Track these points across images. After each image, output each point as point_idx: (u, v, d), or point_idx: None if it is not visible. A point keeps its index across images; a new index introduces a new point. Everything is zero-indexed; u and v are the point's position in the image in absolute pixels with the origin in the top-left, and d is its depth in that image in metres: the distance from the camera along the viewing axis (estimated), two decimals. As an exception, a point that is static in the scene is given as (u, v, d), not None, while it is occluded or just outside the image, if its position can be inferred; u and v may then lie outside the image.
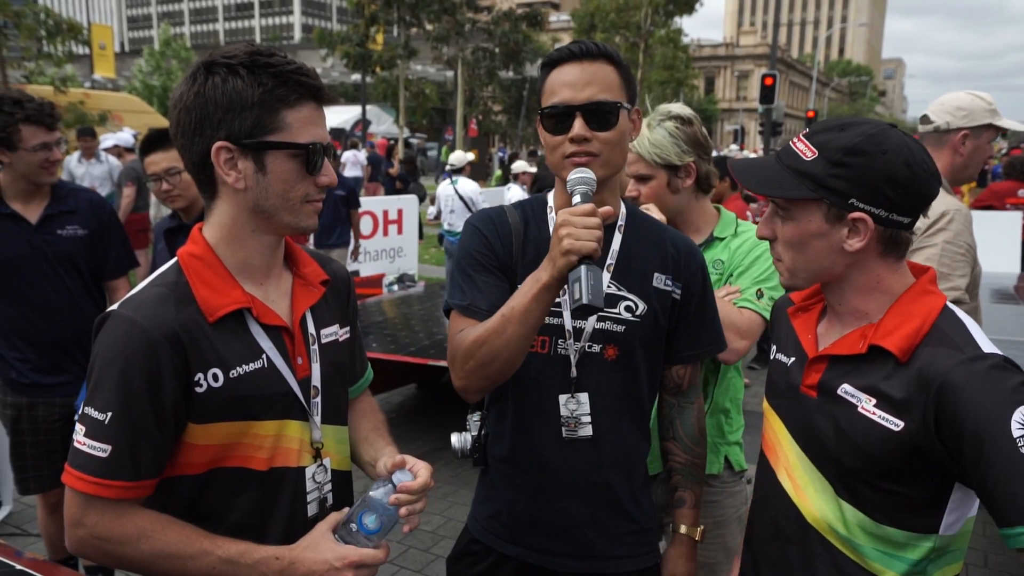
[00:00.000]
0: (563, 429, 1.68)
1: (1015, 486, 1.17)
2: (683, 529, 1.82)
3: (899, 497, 1.35)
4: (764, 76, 21.45)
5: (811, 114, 35.12)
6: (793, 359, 1.54)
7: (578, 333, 1.68)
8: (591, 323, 1.67)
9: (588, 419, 1.68)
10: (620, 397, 1.71)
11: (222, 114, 1.31)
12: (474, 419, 1.87)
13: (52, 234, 2.96)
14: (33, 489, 3.15)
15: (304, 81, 1.33)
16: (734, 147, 34.37)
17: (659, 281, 1.73)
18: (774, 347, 1.65)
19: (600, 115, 1.59)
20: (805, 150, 1.37)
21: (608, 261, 1.71)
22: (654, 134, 2.22)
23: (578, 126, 1.59)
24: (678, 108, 2.27)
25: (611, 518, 1.73)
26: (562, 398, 1.68)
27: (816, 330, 1.52)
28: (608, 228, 1.72)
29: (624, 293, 1.70)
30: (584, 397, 1.68)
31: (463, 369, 1.61)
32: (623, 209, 1.78)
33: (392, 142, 20.13)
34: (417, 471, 1.42)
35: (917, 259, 2.47)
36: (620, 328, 1.69)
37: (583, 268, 1.39)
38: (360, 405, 1.74)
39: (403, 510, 1.38)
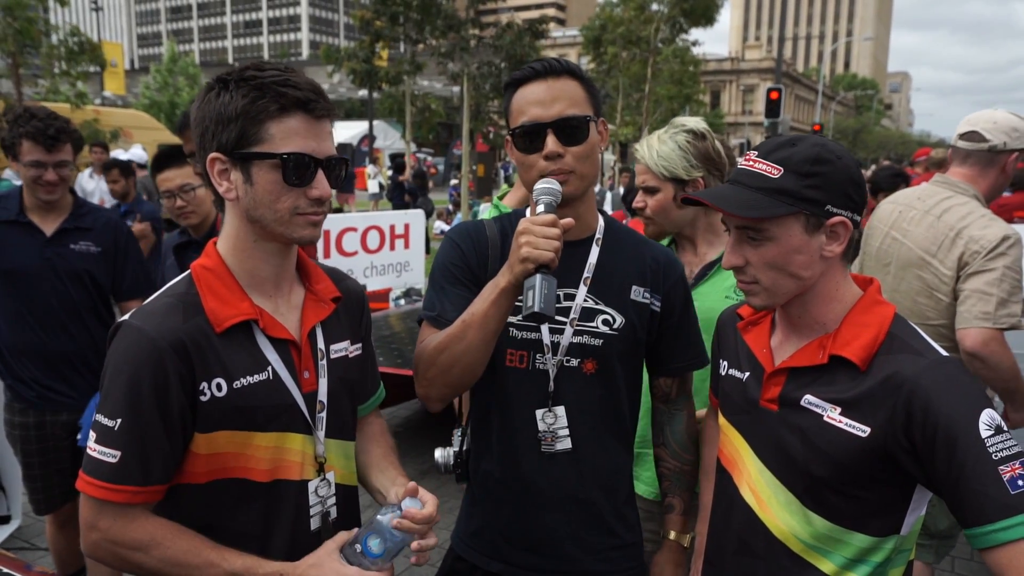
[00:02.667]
0: (541, 444, 1.68)
1: (981, 486, 1.22)
2: (672, 535, 1.82)
3: (866, 502, 1.39)
4: (770, 90, 21.42)
5: (817, 127, 35.10)
6: (748, 374, 1.55)
7: (556, 347, 1.67)
8: (568, 337, 1.67)
9: (566, 433, 1.68)
10: (600, 411, 1.71)
11: (214, 127, 1.35)
12: (458, 435, 1.87)
13: (64, 248, 2.99)
14: (45, 509, 3.17)
15: (286, 92, 1.32)
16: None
17: (637, 294, 1.73)
18: (724, 363, 1.66)
19: (570, 130, 1.60)
20: (770, 169, 1.40)
21: (585, 274, 1.70)
22: (663, 147, 2.19)
23: (550, 143, 1.59)
24: (693, 122, 2.25)
25: (593, 533, 1.72)
26: (539, 412, 1.68)
27: (770, 343, 1.54)
28: (585, 241, 1.73)
29: (601, 307, 1.70)
30: (561, 411, 1.68)
31: (425, 376, 1.63)
32: (601, 222, 1.77)
33: (401, 158, 20.22)
34: (425, 501, 1.43)
35: (976, 283, 2.48)
36: (598, 342, 1.68)
37: (538, 277, 1.41)
38: (371, 428, 1.74)
39: (415, 544, 1.39)
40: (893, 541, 1.41)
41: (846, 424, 1.37)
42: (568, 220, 1.49)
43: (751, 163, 1.43)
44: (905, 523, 1.41)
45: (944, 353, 1.36)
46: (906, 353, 1.35)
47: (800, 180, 1.37)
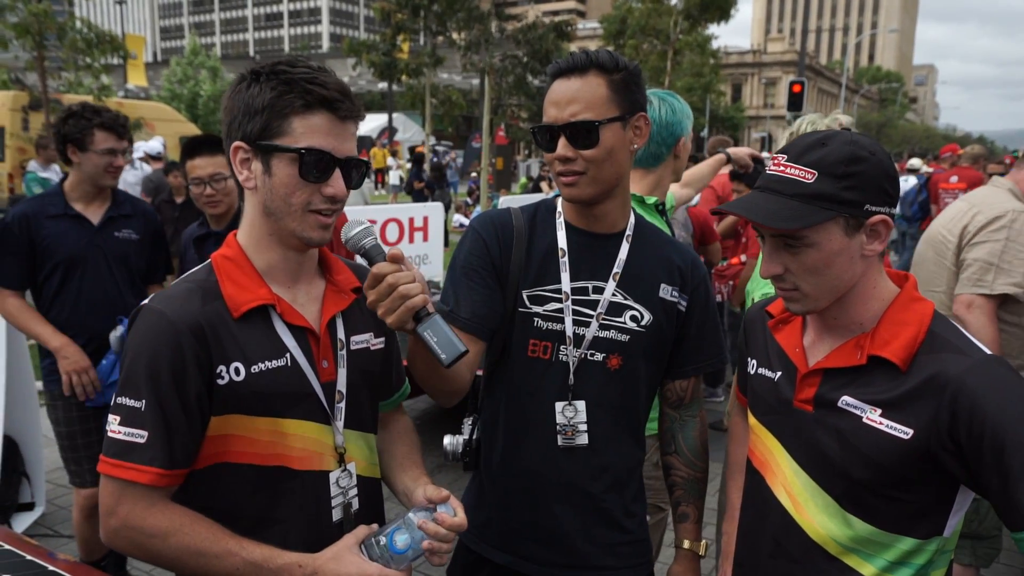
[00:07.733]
0: (559, 437, 1.67)
1: None
2: (686, 544, 1.80)
3: (907, 504, 1.36)
4: (792, 83, 21.16)
5: (840, 121, 34.53)
6: (780, 373, 1.51)
7: (579, 340, 1.67)
8: (593, 330, 1.66)
9: (585, 428, 1.67)
10: (618, 407, 1.70)
11: (241, 116, 1.38)
12: (468, 423, 1.86)
13: (111, 235, 3.19)
14: (91, 481, 3.24)
15: (313, 89, 1.34)
16: (765, 155, 34.17)
17: (666, 292, 1.72)
18: (753, 361, 1.62)
19: (582, 134, 1.58)
20: (803, 174, 1.34)
21: (615, 270, 1.70)
22: None
23: (561, 146, 1.59)
24: (845, 118, 2.27)
25: (601, 528, 1.72)
26: (559, 405, 1.67)
27: (802, 342, 1.50)
28: (616, 236, 1.72)
29: (630, 303, 1.69)
30: (581, 405, 1.67)
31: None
32: (632, 219, 1.76)
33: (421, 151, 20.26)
34: (457, 508, 1.42)
35: (978, 253, 2.58)
36: (624, 338, 1.68)
37: (420, 330, 1.32)
38: (396, 425, 1.74)
39: (427, 543, 1.37)
40: (936, 543, 1.38)
41: (887, 426, 1.33)
42: (397, 251, 1.31)
43: (782, 168, 1.37)
44: (948, 525, 1.38)
45: (988, 352, 1.32)
46: (949, 352, 1.31)
47: (836, 182, 1.32)
